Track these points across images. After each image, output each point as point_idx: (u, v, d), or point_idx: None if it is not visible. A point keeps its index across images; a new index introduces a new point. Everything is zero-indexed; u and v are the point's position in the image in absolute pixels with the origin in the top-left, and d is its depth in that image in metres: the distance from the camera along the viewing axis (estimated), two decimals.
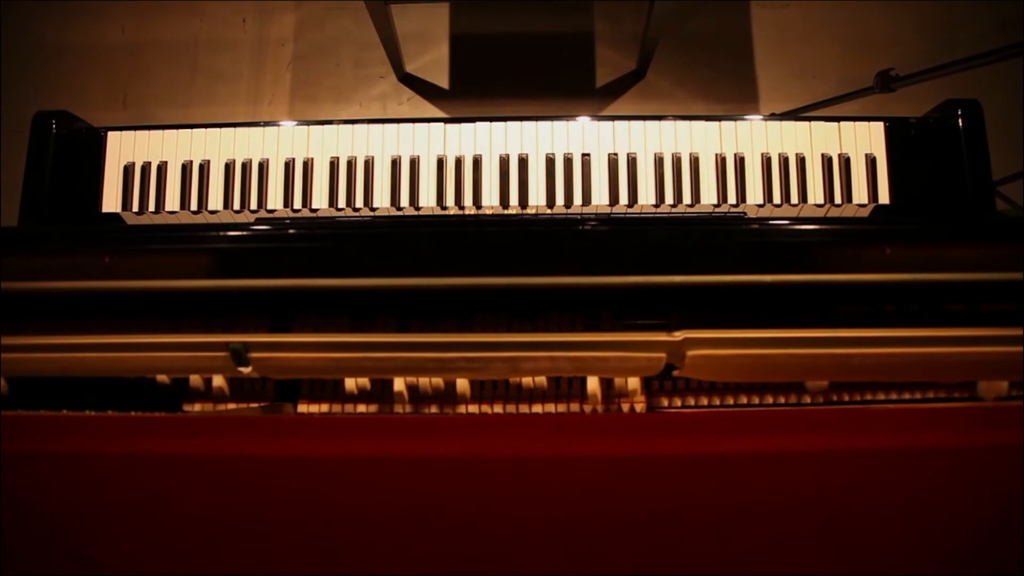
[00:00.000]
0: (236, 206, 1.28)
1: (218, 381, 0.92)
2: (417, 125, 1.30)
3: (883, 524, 0.67)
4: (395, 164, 1.29)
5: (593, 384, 0.90)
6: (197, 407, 0.93)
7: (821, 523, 0.67)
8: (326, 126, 1.30)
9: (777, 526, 0.67)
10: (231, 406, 0.94)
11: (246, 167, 1.29)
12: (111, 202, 1.29)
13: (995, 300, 0.92)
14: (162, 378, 0.91)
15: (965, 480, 0.68)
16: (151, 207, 1.29)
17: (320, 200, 1.29)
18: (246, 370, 0.83)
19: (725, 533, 0.67)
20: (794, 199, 1.27)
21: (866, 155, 1.28)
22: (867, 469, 0.68)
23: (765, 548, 0.67)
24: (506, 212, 1.27)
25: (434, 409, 0.92)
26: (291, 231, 0.91)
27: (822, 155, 1.28)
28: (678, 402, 0.93)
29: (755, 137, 1.29)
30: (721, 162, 1.28)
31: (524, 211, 1.27)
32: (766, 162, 1.28)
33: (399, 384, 0.90)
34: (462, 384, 0.92)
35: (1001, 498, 0.67)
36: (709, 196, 1.28)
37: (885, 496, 0.67)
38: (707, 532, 0.68)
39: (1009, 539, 0.66)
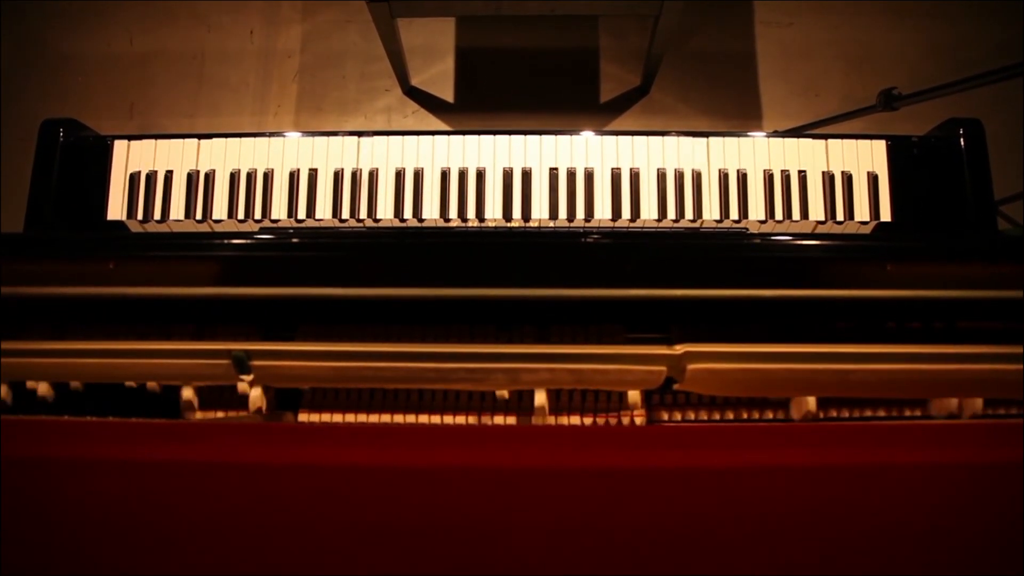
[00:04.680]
0: (240, 215, 1.29)
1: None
2: (421, 137, 1.31)
3: (881, 540, 0.66)
4: (399, 176, 1.30)
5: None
6: (198, 415, 0.93)
7: (819, 538, 0.67)
8: (331, 137, 1.31)
9: (775, 540, 0.67)
10: (232, 414, 0.94)
11: (251, 177, 1.30)
12: (116, 210, 1.30)
13: (996, 318, 0.92)
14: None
15: (965, 497, 0.68)
16: (156, 216, 1.29)
17: (324, 211, 1.30)
18: (247, 378, 0.83)
19: (723, 547, 0.67)
20: (796, 215, 1.28)
21: (868, 172, 1.28)
22: (866, 485, 0.68)
23: (763, 562, 0.67)
24: (509, 225, 1.27)
25: (435, 419, 0.92)
26: (294, 240, 0.92)
27: (824, 172, 1.29)
28: (678, 416, 0.93)
29: (757, 153, 1.30)
30: (723, 178, 1.29)
31: (527, 224, 1.28)
32: (768, 178, 1.29)
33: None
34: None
35: (1001, 516, 0.67)
36: (711, 212, 1.28)
37: (883, 512, 0.67)
38: (705, 545, 0.67)
39: (1007, 557, 0.66)
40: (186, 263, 0.88)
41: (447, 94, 2.22)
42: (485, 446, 0.73)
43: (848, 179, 1.28)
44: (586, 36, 2.24)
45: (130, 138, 1.31)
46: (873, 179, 1.28)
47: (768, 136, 1.31)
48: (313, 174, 1.30)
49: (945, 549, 0.68)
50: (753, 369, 0.80)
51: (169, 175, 1.30)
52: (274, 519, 0.67)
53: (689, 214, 1.28)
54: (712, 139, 1.30)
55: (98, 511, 0.67)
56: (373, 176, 1.30)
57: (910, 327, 0.92)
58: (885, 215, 1.27)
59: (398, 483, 0.69)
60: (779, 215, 1.28)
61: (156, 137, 1.32)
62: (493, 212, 1.28)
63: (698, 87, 2.20)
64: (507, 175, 1.29)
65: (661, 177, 1.29)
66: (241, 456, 0.67)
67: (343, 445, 0.72)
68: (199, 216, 1.29)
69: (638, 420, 0.91)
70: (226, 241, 0.89)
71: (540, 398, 0.86)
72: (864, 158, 1.29)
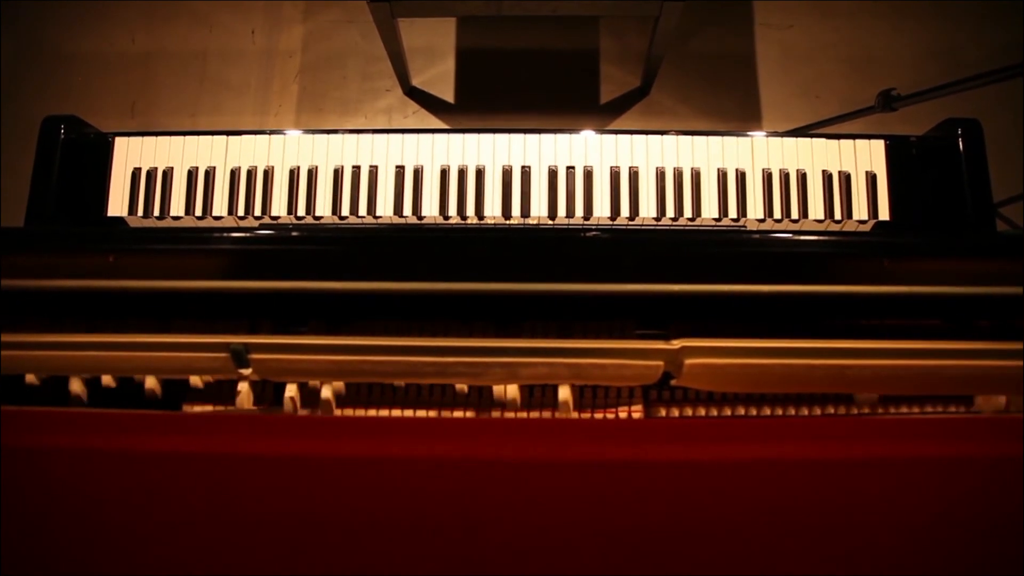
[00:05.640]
0: (240, 212, 1.29)
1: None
2: (421, 135, 1.31)
3: (878, 533, 0.67)
4: (399, 173, 1.30)
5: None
6: (197, 408, 0.93)
7: (817, 532, 0.67)
8: (331, 135, 1.32)
9: (773, 535, 0.67)
10: (230, 408, 0.94)
11: (251, 174, 1.31)
12: (117, 206, 1.30)
13: (995, 315, 0.92)
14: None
15: (962, 491, 0.68)
16: (156, 212, 1.30)
17: (324, 208, 1.30)
18: (246, 372, 0.83)
19: (721, 540, 0.67)
20: (794, 214, 1.28)
21: (866, 172, 1.29)
22: (864, 479, 0.68)
23: (761, 555, 0.67)
24: (508, 222, 1.28)
25: (432, 413, 0.92)
26: (294, 234, 0.92)
27: (823, 171, 1.29)
28: (676, 412, 0.93)
29: (756, 153, 1.30)
30: (722, 177, 1.29)
31: (526, 222, 1.28)
32: (767, 178, 1.29)
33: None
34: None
35: (999, 510, 0.67)
36: (710, 210, 1.28)
37: (882, 506, 0.67)
38: (703, 538, 0.68)
39: (1006, 551, 0.66)
40: (186, 257, 0.89)
41: (448, 94, 2.23)
42: (483, 440, 0.73)
43: (846, 179, 1.28)
44: (586, 37, 2.25)
45: (131, 135, 1.32)
46: (872, 179, 1.28)
47: (767, 136, 1.31)
48: (313, 172, 1.30)
49: (942, 545, 0.68)
50: (750, 364, 0.80)
51: (169, 172, 1.31)
52: (271, 511, 0.67)
53: (688, 213, 1.28)
54: (711, 138, 1.31)
55: (95, 502, 0.67)
56: (373, 174, 1.30)
57: (908, 323, 0.92)
58: (883, 214, 1.28)
59: (395, 476, 0.69)
60: (777, 214, 1.28)
61: (157, 134, 1.32)
62: (492, 210, 1.29)
63: (698, 89, 2.21)
64: (506, 173, 1.30)
65: (660, 176, 1.29)
66: (239, 447, 0.68)
67: (340, 438, 0.72)
68: (199, 213, 1.29)
69: (636, 416, 0.91)
70: (226, 235, 0.90)
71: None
72: (863, 158, 1.30)
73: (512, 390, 0.90)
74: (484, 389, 0.92)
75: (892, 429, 0.72)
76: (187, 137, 1.32)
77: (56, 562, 0.68)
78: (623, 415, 0.92)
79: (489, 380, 0.84)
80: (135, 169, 1.31)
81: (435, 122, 2.21)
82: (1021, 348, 0.77)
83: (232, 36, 2.28)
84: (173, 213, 1.30)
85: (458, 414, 0.92)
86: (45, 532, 0.68)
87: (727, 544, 0.68)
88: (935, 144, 1.29)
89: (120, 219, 1.29)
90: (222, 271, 0.89)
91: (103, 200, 1.30)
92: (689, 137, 1.31)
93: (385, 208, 1.29)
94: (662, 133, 1.31)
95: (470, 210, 1.29)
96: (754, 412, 0.92)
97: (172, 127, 2.18)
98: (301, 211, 1.29)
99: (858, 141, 1.30)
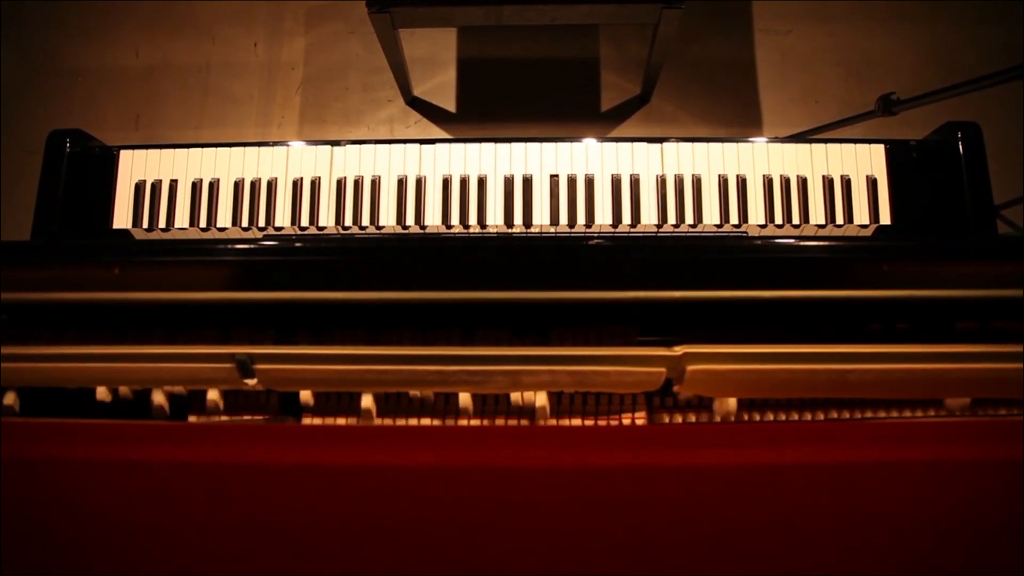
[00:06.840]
0: (244, 223, 1.30)
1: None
2: (423, 146, 1.32)
3: (882, 537, 0.67)
4: (401, 184, 1.31)
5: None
6: (202, 420, 0.94)
7: (820, 535, 0.67)
8: (334, 146, 1.33)
9: (777, 538, 0.67)
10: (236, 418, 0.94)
11: (255, 186, 1.31)
12: (122, 219, 1.31)
13: (995, 317, 0.92)
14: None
15: (964, 494, 0.68)
16: (161, 224, 1.31)
17: (327, 219, 1.31)
18: (251, 382, 0.84)
19: (725, 544, 0.68)
20: (796, 220, 1.28)
21: (867, 176, 1.29)
22: (865, 482, 0.68)
23: (765, 559, 0.67)
24: (511, 231, 1.28)
25: (436, 422, 0.92)
26: (297, 244, 0.93)
27: (823, 176, 1.30)
28: (679, 418, 0.93)
29: (757, 159, 1.31)
30: (723, 183, 1.30)
31: (528, 231, 1.28)
32: (768, 183, 1.30)
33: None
34: (464, 398, 0.92)
35: (999, 512, 0.67)
36: (711, 217, 1.29)
37: (881, 509, 0.67)
38: (707, 543, 0.68)
39: (1009, 554, 0.66)
40: (190, 268, 0.89)
41: (449, 104, 2.24)
42: (487, 447, 0.74)
43: (847, 183, 1.29)
44: (586, 46, 2.26)
45: (135, 148, 1.33)
46: (872, 183, 1.29)
47: (767, 142, 1.32)
48: (316, 182, 1.31)
49: (945, 548, 0.68)
50: (752, 370, 0.80)
51: (174, 184, 1.32)
52: (276, 517, 0.67)
53: (689, 219, 1.28)
54: (712, 145, 1.31)
55: (102, 512, 0.68)
56: (375, 184, 1.31)
57: (909, 327, 0.92)
58: (884, 218, 1.28)
59: (401, 484, 0.70)
60: (779, 219, 1.28)
61: (161, 147, 1.33)
62: (495, 219, 1.29)
63: (698, 95, 2.21)
64: (508, 182, 1.30)
65: (661, 183, 1.30)
66: (243, 456, 0.68)
67: (346, 446, 0.72)
68: (203, 224, 1.30)
69: (639, 422, 0.92)
70: (230, 246, 0.90)
71: (541, 400, 0.87)
72: (863, 162, 1.30)
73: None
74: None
75: (895, 433, 0.73)
76: (191, 149, 1.33)
77: (63, 572, 0.69)
78: (627, 422, 0.92)
79: (492, 388, 0.84)
80: (140, 182, 1.32)
81: (437, 131, 2.22)
82: (1022, 351, 0.78)
83: (235, 49, 2.29)
84: (178, 225, 1.31)
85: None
86: (51, 543, 0.68)
87: (731, 548, 0.68)
88: (935, 148, 1.29)
89: (125, 231, 1.30)
90: (227, 282, 0.90)
91: (108, 213, 1.31)
92: (690, 144, 1.32)
93: (388, 218, 1.30)
94: (663, 140, 1.32)
95: (472, 219, 1.29)
96: (757, 417, 0.93)
97: (176, 140, 2.20)
98: (304, 222, 1.30)
99: (858, 145, 1.31)
